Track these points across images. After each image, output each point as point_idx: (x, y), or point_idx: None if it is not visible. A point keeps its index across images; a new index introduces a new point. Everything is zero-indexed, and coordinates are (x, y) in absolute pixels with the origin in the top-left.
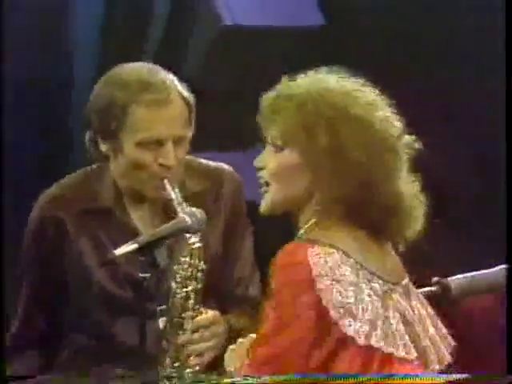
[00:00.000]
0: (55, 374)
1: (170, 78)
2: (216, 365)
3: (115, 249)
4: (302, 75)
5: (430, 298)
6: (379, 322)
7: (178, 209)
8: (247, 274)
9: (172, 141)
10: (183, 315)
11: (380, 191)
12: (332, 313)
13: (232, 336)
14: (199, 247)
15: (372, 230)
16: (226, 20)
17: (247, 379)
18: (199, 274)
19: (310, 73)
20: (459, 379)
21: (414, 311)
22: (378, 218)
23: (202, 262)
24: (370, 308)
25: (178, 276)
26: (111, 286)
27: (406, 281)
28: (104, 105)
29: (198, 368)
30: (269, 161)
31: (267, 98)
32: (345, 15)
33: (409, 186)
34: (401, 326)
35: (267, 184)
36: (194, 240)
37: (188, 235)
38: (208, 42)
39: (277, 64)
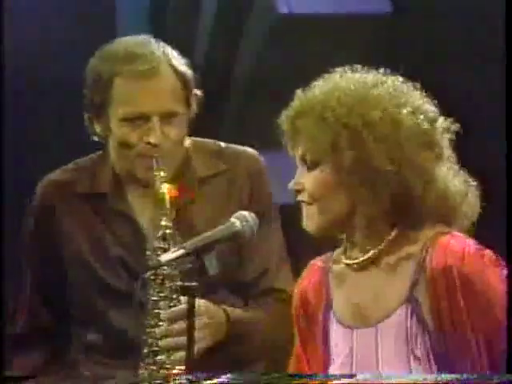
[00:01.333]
0: (55, 374)
1: (162, 50)
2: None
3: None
4: (316, 82)
5: None
6: None
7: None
8: (273, 265)
9: (159, 116)
10: (159, 305)
11: (423, 195)
12: None
13: (237, 329)
14: (170, 233)
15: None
16: (280, 8)
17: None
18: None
19: (325, 76)
20: (459, 379)
21: None
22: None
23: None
24: None
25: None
26: (105, 274)
27: None
28: (91, 79)
29: (177, 364)
30: (305, 181)
31: (285, 118)
32: (410, 2)
33: (455, 180)
34: None
35: (309, 203)
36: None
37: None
38: (262, 32)
39: (337, 53)
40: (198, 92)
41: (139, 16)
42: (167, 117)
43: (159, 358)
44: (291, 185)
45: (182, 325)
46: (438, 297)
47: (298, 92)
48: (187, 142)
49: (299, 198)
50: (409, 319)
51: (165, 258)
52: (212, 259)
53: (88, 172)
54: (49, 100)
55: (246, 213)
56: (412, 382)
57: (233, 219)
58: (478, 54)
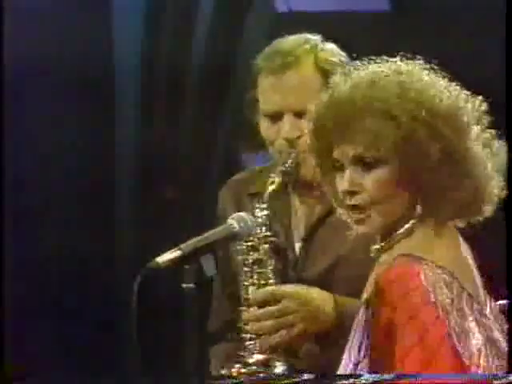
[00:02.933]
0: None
1: (309, 47)
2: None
3: None
4: (355, 71)
5: None
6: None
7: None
8: None
9: (292, 113)
10: (247, 289)
11: (484, 189)
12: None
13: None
14: (266, 215)
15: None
16: (280, 7)
17: None
18: (264, 245)
19: (354, 68)
20: (459, 379)
21: None
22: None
23: (267, 232)
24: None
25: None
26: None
27: None
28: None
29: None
30: (364, 182)
31: (331, 103)
32: (410, 1)
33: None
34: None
35: (362, 208)
36: (261, 208)
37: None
38: (262, 30)
39: None
40: None
41: (137, 15)
42: (301, 114)
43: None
44: (345, 186)
45: (267, 309)
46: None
47: (336, 88)
48: None
49: (353, 201)
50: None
51: (162, 259)
52: (210, 260)
53: (264, 173)
54: (48, 98)
55: (243, 214)
56: (413, 382)
57: (230, 220)
58: (479, 53)
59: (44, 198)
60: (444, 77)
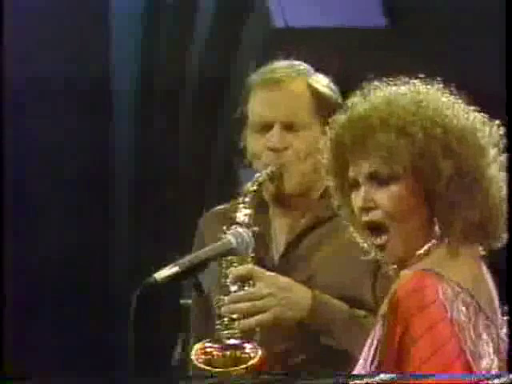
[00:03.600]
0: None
1: (300, 68)
2: None
3: None
4: (363, 93)
5: None
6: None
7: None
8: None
9: (280, 124)
10: (226, 271)
11: (499, 210)
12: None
13: (324, 311)
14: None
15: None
16: (276, 22)
17: None
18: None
19: (372, 88)
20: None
21: None
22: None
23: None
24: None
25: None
26: None
27: None
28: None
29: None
30: (378, 198)
31: (348, 122)
32: (407, 17)
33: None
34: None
35: (379, 225)
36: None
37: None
38: (258, 45)
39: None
40: None
41: (138, 26)
42: (290, 127)
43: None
44: (360, 203)
45: (244, 291)
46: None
47: (354, 107)
48: None
49: (368, 217)
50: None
51: (160, 275)
52: (207, 276)
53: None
54: (48, 100)
55: (241, 230)
56: (416, 382)
57: (228, 236)
58: (478, 66)
59: (42, 198)
60: (462, 100)
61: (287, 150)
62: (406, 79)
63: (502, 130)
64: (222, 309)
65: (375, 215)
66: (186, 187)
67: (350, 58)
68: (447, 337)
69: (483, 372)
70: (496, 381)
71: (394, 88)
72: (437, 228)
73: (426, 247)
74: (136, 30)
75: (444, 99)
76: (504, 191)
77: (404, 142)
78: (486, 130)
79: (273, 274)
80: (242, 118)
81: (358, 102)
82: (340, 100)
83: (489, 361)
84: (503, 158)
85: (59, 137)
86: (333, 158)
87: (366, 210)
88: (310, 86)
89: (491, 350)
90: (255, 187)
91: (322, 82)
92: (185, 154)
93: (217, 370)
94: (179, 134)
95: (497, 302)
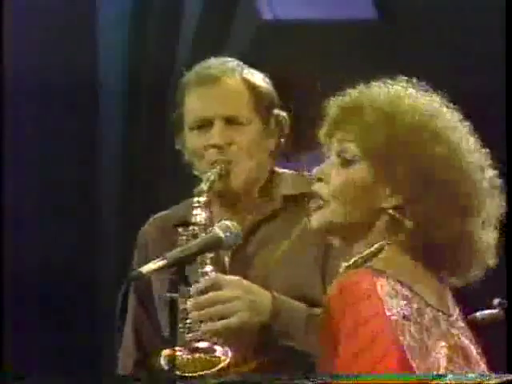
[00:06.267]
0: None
1: (235, 64)
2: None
3: None
4: (373, 84)
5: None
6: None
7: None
8: None
9: (221, 120)
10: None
11: (472, 235)
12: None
13: (284, 314)
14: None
15: (430, 261)
16: (265, 15)
17: None
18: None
19: (383, 83)
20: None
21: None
22: (442, 250)
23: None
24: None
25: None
26: None
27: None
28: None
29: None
30: (334, 175)
31: (340, 104)
32: (397, 9)
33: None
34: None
35: (321, 198)
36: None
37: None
38: (247, 38)
39: (324, 60)
40: (282, 113)
41: (124, 25)
42: (231, 121)
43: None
44: (316, 171)
45: (210, 295)
46: None
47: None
48: (278, 169)
49: (316, 187)
50: None
51: (146, 268)
52: (194, 270)
53: (187, 204)
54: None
55: (228, 222)
56: (412, 381)
57: (215, 229)
58: (468, 59)
59: (30, 199)
60: (455, 110)
61: (231, 146)
62: (403, 78)
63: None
64: (190, 315)
65: (322, 188)
66: (173, 187)
67: (339, 51)
68: (380, 332)
69: (482, 372)
70: (495, 381)
71: (396, 88)
72: (383, 224)
73: (376, 246)
74: (123, 29)
75: (439, 108)
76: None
77: (386, 126)
78: (476, 155)
79: (236, 277)
80: (178, 120)
81: (357, 90)
82: (275, 95)
83: (439, 355)
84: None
85: (47, 136)
86: (324, 128)
87: (319, 179)
88: (246, 80)
89: (442, 344)
90: (207, 187)
91: (258, 77)
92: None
93: (187, 374)
94: (165, 133)
95: (450, 299)
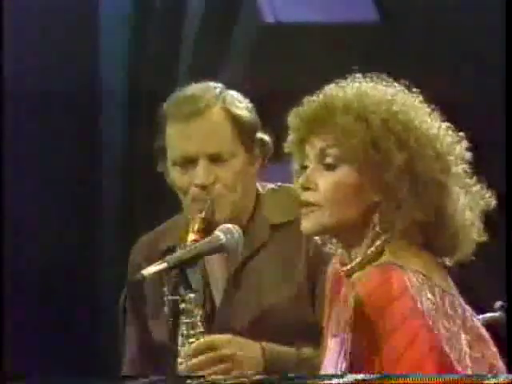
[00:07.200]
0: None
1: (217, 93)
2: None
3: None
4: (342, 83)
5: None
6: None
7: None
8: None
9: (206, 158)
10: (180, 342)
11: (451, 211)
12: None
13: (276, 365)
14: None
15: (429, 249)
16: (266, 17)
17: None
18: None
19: (351, 80)
20: (459, 378)
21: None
22: (441, 239)
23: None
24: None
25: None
26: None
27: None
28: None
29: None
30: (320, 181)
31: (311, 108)
32: (398, 11)
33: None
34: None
35: (317, 205)
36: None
37: None
38: (248, 42)
39: (325, 64)
40: (265, 137)
41: (124, 28)
42: (216, 159)
43: None
44: (302, 181)
45: (208, 356)
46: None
47: (328, 87)
48: (262, 188)
49: (306, 196)
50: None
51: (147, 271)
52: (195, 273)
53: (174, 227)
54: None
55: (230, 226)
56: (412, 382)
57: (217, 232)
58: (467, 62)
59: (30, 199)
60: (433, 109)
61: (215, 185)
62: (389, 78)
63: (465, 144)
64: (183, 365)
65: (312, 196)
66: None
67: (340, 53)
68: (420, 328)
69: (472, 372)
70: (494, 380)
71: (370, 83)
72: (376, 223)
73: (376, 244)
74: (124, 30)
75: (413, 102)
76: (460, 205)
77: (360, 126)
78: (448, 140)
79: (228, 336)
80: (160, 151)
81: (330, 88)
82: (257, 119)
83: (464, 341)
84: (462, 171)
85: (47, 137)
86: (294, 136)
87: (306, 189)
88: (228, 112)
89: (462, 330)
90: (202, 226)
91: (240, 105)
92: None
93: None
94: None
95: (453, 285)
